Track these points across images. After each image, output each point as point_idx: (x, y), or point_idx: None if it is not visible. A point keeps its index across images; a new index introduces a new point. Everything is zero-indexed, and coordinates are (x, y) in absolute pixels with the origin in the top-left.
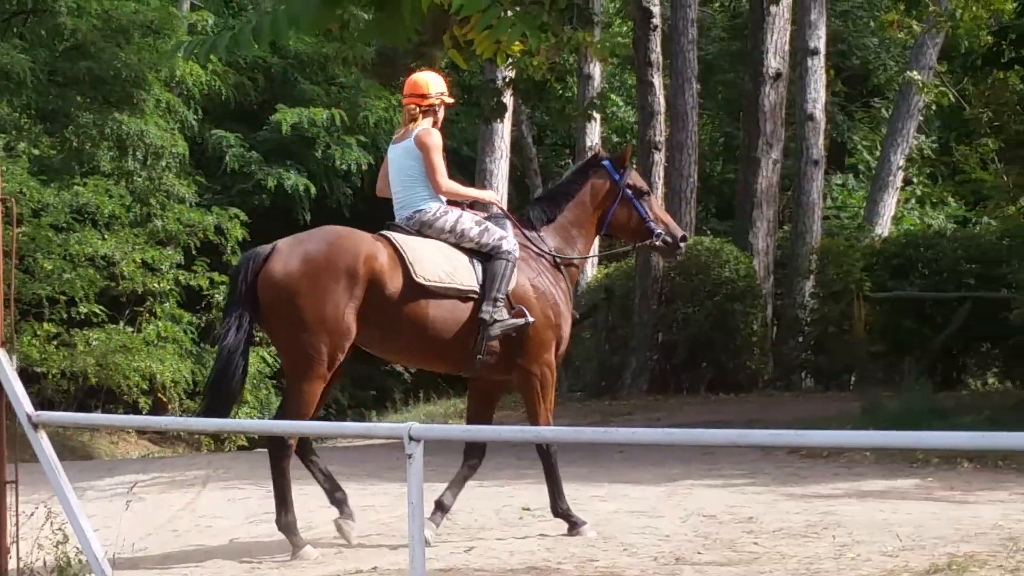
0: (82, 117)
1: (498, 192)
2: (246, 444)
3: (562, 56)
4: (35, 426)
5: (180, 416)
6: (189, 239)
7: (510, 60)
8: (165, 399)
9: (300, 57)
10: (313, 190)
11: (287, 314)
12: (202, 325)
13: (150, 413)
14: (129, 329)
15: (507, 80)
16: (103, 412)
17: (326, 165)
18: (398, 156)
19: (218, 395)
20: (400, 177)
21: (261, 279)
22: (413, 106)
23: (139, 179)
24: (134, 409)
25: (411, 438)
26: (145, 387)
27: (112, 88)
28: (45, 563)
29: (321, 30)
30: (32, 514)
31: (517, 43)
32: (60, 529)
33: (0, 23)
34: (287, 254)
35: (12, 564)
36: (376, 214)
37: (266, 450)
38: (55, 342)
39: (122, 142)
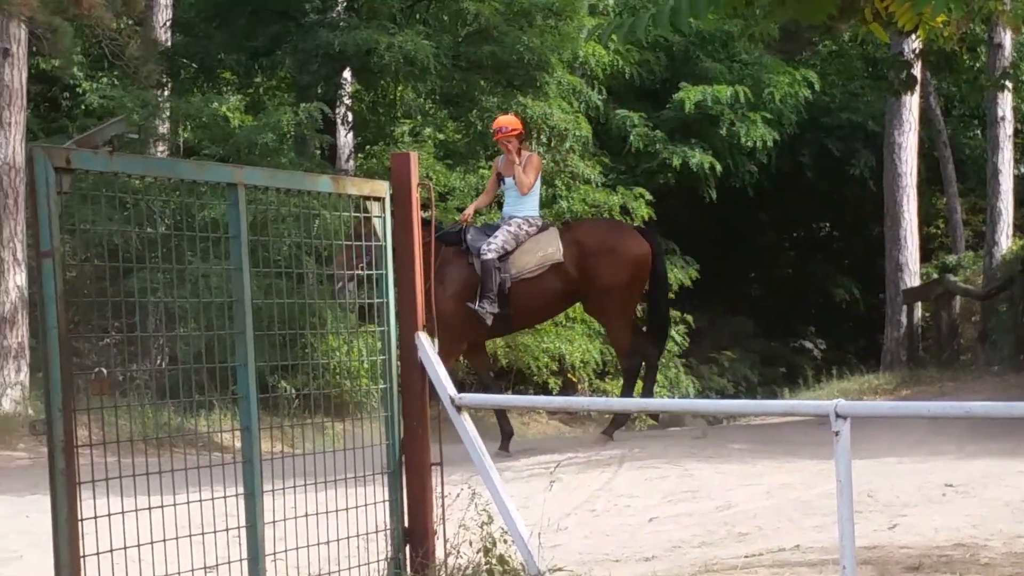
0: (486, 101)
1: (907, 164)
2: (656, 423)
3: (971, 25)
4: (458, 408)
5: (590, 396)
6: None
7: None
8: (575, 379)
9: (702, 34)
10: (718, 168)
11: None
12: None
13: (560, 394)
14: None
15: (916, 52)
16: (513, 393)
17: (730, 143)
18: None
19: None
20: None
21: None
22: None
23: (544, 161)
24: (544, 390)
25: (838, 415)
26: (554, 368)
27: (515, 72)
28: (471, 543)
29: (739, 8)
30: (458, 495)
31: (941, 15)
32: (485, 510)
33: (404, 10)
34: None
35: (439, 545)
36: (781, 193)
37: (679, 429)
38: None
39: (526, 125)
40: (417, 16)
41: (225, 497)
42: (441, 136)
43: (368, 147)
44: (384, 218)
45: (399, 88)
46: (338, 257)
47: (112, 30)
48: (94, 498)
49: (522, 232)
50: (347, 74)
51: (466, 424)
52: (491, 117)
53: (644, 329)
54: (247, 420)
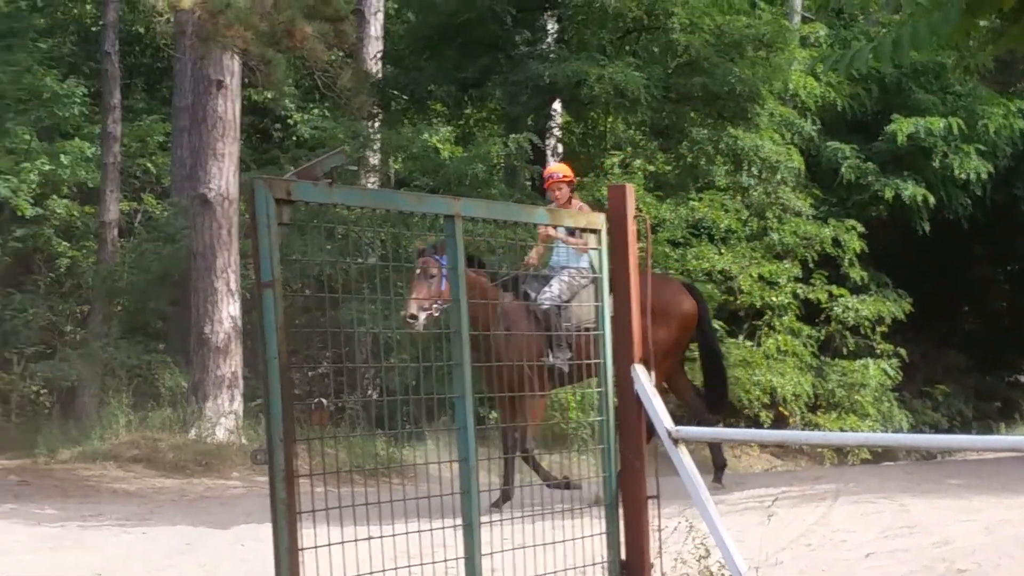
0: (696, 133)
1: None
2: (869, 457)
3: None
4: (675, 441)
5: (803, 430)
6: (806, 252)
7: None
8: (787, 413)
9: (915, 66)
10: (931, 200)
11: None
12: (821, 338)
13: (771, 427)
14: (748, 343)
15: None
16: (724, 426)
17: (944, 175)
18: None
19: None
20: None
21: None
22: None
23: (755, 193)
24: (755, 423)
25: None
26: (766, 401)
27: (726, 103)
28: None
29: (959, 40)
30: (675, 528)
31: None
32: (702, 543)
33: (614, 42)
34: None
35: None
36: (995, 225)
37: (893, 464)
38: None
39: (737, 157)
40: (627, 48)
41: (444, 528)
42: (651, 167)
43: (578, 179)
44: (600, 250)
45: (609, 119)
46: (414, 293)
47: (324, 62)
48: (314, 526)
49: (576, 284)
50: (557, 105)
51: (683, 457)
52: (701, 149)
53: (703, 391)
54: (465, 451)
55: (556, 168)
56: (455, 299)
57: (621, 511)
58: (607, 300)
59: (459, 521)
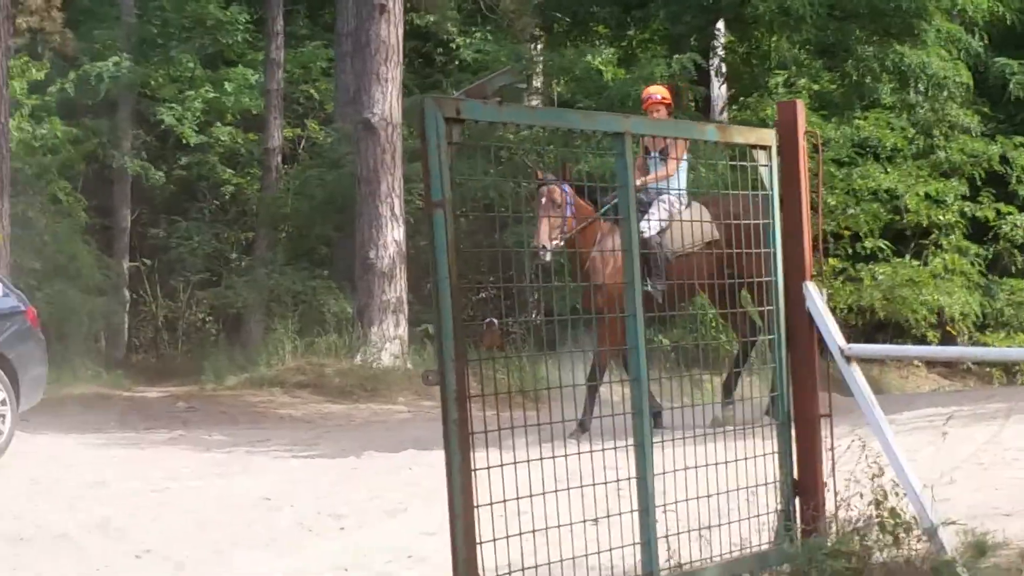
0: (861, 51)
1: None
2: None
3: None
4: (847, 359)
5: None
6: (974, 170)
7: None
8: (954, 332)
9: None
10: None
11: None
12: (989, 256)
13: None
14: (915, 262)
15: None
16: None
17: None
18: None
19: None
20: None
21: None
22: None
23: (921, 111)
24: (922, 343)
25: None
26: (933, 320)
27: (891, 20)
28: (861, 496)
29: None
30: (848, 447)
31: None
32: (875, 462)
33: None
34: None
35: (828, 497)
36: None
37: None
38: (840, 277)
39: (903, 74)
40: None
41: (615, 448)
42: (816, 86)
43: (742, 98)
44: (771, 167)
45: (773, 38)
46: (541, 223)
47: None
48: (486, 448)
49: (675, 209)
50: (720, 25)
51: (856, 375)
52: (867, 67)
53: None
54: (636, 371)
55: (655, 89)
56: (625, 218)
57: (794, 430)
58: (777, 217)
59: (630, 441)
